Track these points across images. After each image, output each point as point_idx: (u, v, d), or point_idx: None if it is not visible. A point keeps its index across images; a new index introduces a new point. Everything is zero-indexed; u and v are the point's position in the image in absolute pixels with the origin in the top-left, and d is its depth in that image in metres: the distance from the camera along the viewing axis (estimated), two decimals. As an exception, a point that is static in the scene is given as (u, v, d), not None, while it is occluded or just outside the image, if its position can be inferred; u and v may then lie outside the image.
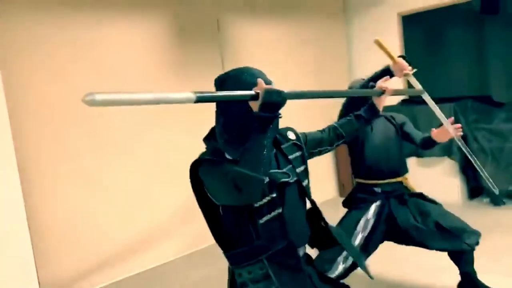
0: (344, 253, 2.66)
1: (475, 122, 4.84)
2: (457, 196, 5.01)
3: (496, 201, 4.74)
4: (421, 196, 2.91)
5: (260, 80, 1.50)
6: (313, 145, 1.91)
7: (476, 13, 5.08)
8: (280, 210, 1.64)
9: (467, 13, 5.19)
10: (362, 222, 2.81)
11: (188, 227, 4.20)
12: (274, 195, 1.62)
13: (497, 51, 5.03)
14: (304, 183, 1.76)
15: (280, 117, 1.60)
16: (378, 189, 2.87)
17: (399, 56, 2.69)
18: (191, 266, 4.08)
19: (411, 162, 5.23)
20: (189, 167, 1.66)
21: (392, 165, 2.90)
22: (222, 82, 1.67)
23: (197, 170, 1.63)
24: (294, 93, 1.64)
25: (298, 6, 5.43)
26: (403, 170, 2.97)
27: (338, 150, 5.70)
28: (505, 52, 4.96)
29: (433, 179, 5.13)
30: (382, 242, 2.89)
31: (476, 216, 4.62)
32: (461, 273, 2.84)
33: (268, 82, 1.60)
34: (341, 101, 2.81)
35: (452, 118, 2.73)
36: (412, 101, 5.41)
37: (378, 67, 5.57)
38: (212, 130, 1.72)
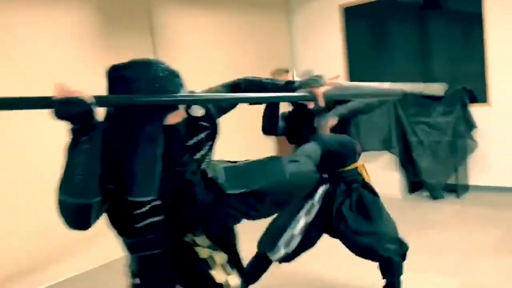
0: (286, 237, 2.53)
1: (415, 115, 4.82)
2: (397, 190, 4.99)
3: (435, 194, 4.75)
4: (371, 191, 2.66)
5: (57, 85, 1.23)
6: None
7: (419, 7, 5.07)
8: (160, 218, 1.46)
9: (410, 6, 5.17)
10: (307, 205, 2.59)
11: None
12: (158, 202, 1.44)
13: (439, 45, 5.04)
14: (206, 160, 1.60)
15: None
16: (325, 175, 2.58)
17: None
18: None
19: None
20: None
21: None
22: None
23: None
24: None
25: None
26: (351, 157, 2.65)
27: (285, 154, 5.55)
28: (447, 47, 4.97)
29: (374, 173, 5.05)
30: (321, 233, 2.67)
31: (415, 210, 4.63)
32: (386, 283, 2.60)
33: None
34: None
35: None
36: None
37: (320, 60, 5.48)
38: None
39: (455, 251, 3.49)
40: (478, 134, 4.70)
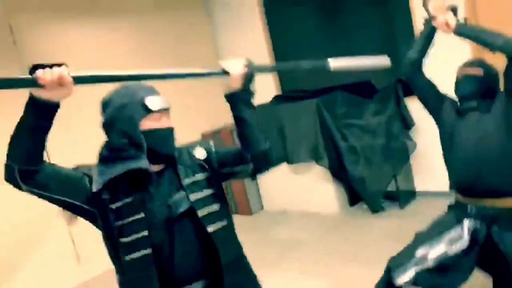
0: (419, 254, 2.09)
1: (344, 117, 4.13)
2: (335, 204, 4.32)
3: (373, 207, 4.08)
4: None
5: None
6: (224, 162, 1.63)
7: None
8: (147, 251, 1.44)
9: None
10: (453, 233, 2.11)
11: None
12: (145, 233, 1.44)
13: (361, 22, 4.31)
14: (203, 212, 1.52)
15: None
16: (471, 208, 2.13)
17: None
18: None
19: (282, 170, 4.52)
20: None
21: (492, 179, 2.07)
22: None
23: None
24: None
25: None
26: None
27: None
28: (371, 23, 4.23)
29: (308, 187, 4.43)
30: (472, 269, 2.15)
31: (351, 228, 3.97)
32: None
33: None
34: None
35: None
36: (287, 98, 4.68)
37: (247, 51, 4.88)
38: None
39: None
40: (418, 132, 4.01)
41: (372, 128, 3.97)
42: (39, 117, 1.28)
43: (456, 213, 2.21)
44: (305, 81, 4.90)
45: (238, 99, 1.56)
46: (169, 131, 1.55)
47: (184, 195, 1.52)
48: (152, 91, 1.53)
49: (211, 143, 1.66)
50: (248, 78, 1.55)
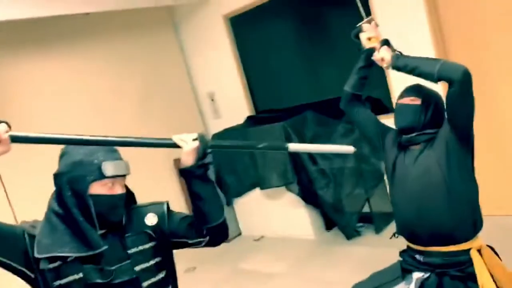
0: None
1: (314, 139, 3.94)
2: (310, 229, 4.13)
3: (348, 234, 3.88)
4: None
5: None
6: (176, 233, 1.57)
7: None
8: None
9: (293, 4, 4.30)
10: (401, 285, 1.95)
11: None
12: None
13: (331, 45, 4.15)
14: (147, 282, 1.47)
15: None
16: (420, 257, 1.94)
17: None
18: None
19: (258, 195, 4.36)
20: None
21: (434, 221, 1.86)
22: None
23: None
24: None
25: (106, 23, 4.48)
26: (463, 232, 1.85)
27: (185, 189, 4.79)
28: (340, 46, 4.06)
29: (283, 212, 4.26)
30: None
31: (324, 256, 3.79)
32: None
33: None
34: None
35: None
36: (259, 119, 4.54)
37: (218, 74, 4.82)
38: None
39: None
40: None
41: (341, 150, 3.78)
42: None
43: (407, 261, 2.00)
44: (279, 100, 4.75)
45: (191, 175, 1.51)
46: (119, 198, 1.49)
47: (128, 264, 1.46)
48: (112, 155, 1.48)
49: (165, 207, 1.58)
50: (201, 153, 1.50)
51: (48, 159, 1.70)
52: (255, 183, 4.28)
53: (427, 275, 1.90)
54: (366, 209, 3.85)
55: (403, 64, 1.86)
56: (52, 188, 1.48)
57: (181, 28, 5.10)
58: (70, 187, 1.42)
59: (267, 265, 3.95)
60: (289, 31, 4.46)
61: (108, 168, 1.43)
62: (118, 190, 1.49)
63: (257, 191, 4.35)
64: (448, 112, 1.86)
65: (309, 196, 3.96)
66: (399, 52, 1.92)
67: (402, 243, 2.07)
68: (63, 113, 4.06)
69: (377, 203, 3.84)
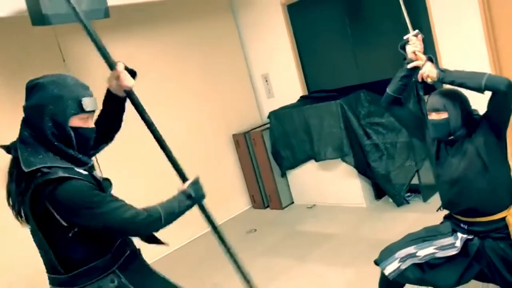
0: (405, 251, 2.26)
1: (367, 116, 4.35)
2: (361, 198, 4.56)
3: (397, 201, 4.30)
4: None
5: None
6: None
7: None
8: None
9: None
10: (445, 240, 2.23)
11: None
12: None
13: (384, 28, 4.50)
14: None
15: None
16: (464, 225, 2.23)
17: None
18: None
19: (311, 166, 4.79)
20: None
21: (477, 204, 2.15)
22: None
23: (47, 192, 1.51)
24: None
25: (174, 11, 4.93)
26: (500, 206, 2.14)
27: (243, 162, 5.25)
28: (392, 28, 4.41)
29: (335, 183, 4.69)
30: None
31: (376, 220, 4.21)
32: None
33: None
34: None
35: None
36: (313, 98, 4.93)
37: (273, 57, 5.23)
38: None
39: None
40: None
41: (393, 126, 4.18)
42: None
43: (452, 224, 2.30)
44: (330, 81, 5.14)
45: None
46: (93, 131, 1.66)
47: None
48: (88, 91, 1.64)
49: None
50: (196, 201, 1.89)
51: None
52: (309, 157, 4.72)
53: (470, 236, 2.20)
54: (415, 180, 4.26)
55: (449, 80, 2.06)
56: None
57: (239, 15, 5.51)
58: (52, 119, 1.53)
59: (322, 227, 4.40)
60: (340, 16, 4.81)
61: (87, 103, 1.58)
62: (91, 123, 1.65)
63: (309, 164, 4.79)
64: (491, 114, 2.09)
65: (362, 168, 4.38)
66: (443, 70, 2.09)
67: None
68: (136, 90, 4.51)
69: (425, 174, 4.24)
